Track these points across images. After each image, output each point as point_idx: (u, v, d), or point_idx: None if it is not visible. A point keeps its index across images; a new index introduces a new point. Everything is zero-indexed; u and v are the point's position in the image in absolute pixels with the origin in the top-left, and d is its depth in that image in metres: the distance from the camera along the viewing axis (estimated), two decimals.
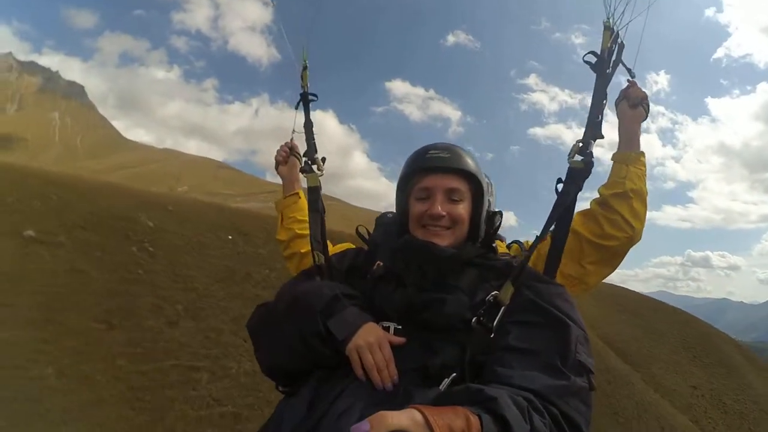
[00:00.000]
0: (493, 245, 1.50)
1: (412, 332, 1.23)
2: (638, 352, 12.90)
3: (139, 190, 12.11)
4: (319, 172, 1.86)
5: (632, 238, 1.56)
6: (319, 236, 1.69)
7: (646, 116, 1.67)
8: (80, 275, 6.39)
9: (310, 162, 1.88)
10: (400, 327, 1.25)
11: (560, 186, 1.49)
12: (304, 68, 1.98)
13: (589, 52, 1.59)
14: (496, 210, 1.57)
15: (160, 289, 6.65)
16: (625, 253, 1.61)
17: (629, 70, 1.65)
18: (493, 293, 1.23)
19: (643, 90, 1.67)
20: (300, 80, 1.97)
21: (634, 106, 1.65)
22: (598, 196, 1.62)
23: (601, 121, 1.55)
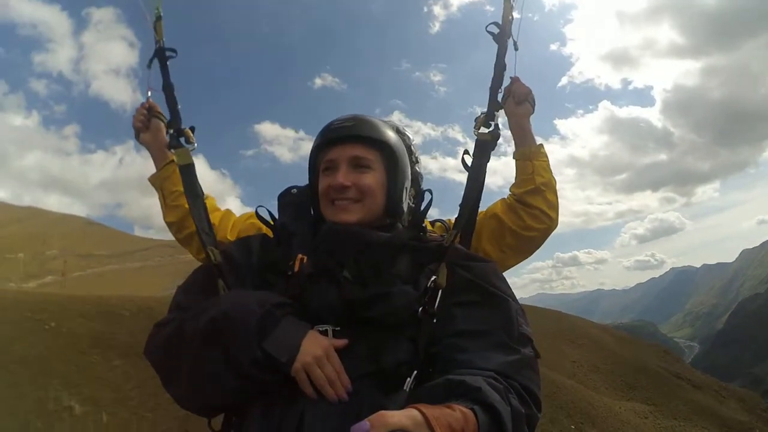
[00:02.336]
0: (423, 225, 1.36)
1: (352, 333, 1.11)
2: (552, 364, 14.76)
3: None
4: (189, 146, 1.58)
5: (550, 228, 1.63)
6: (207, 227, 1.42)
7: (533, 110, 1.71)
8: None
9: (176, 134, 1.58)
10: (338, 329, 1.12)
11: (467, 158, 1.45)
12: (158, 18, 1.64)
13: (491, 23, 1.58)
14: (426, 188, 1.39)
15: None
16: (544, 241, 1.66)
17: (515, 43, 1.62)
18: (432, 278, 1.16)
19: (526, 85, 1.71)
20: (153, 33, 1.63)
21: (520, 103, 1.71)
22: (510, 194, 1.68)
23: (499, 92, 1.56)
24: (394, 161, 1.34)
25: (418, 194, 1.42)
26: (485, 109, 1.54)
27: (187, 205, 1.52)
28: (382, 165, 1.33)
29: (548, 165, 1.67)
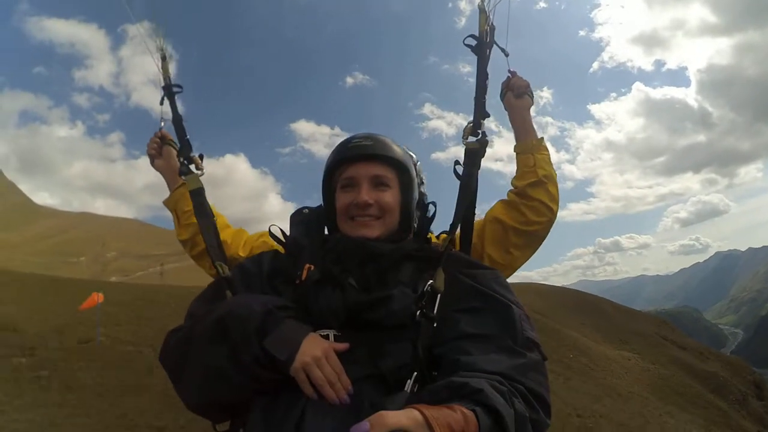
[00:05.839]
0: (428, 236, 1.46)
1: (354, 337, 1.15)
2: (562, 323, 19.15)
3: None
4: (198, 172, 1.73)
5: (551, 220, 1.63)
6: (216, 244, 1.56)
7: (533, 102, 1.73)
8: None
9: (186, 161, 1.73)
10: (339, 334, 1.16)
11: (458, 168, 1.52)
12: (163, 59, 1.82)
13: (468, 36, 1.62)
14: (430, 201, 1.51)
15: None
16: (547, 235, 1.65)
17: (503, 50, 1.68)
18: (429, 282, 1.20)
19: (524, 79, 1.74)
20: (161, 72, 1.82)
21: (520, 96, 1.72)
22: (512, 188, 1.66)
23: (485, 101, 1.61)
24: (409, 179, 1.40)
25: (424, 208, 1.48)
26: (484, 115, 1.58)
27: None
28: (398, 183, 1.38)
29: (549, 158, 1.66)
